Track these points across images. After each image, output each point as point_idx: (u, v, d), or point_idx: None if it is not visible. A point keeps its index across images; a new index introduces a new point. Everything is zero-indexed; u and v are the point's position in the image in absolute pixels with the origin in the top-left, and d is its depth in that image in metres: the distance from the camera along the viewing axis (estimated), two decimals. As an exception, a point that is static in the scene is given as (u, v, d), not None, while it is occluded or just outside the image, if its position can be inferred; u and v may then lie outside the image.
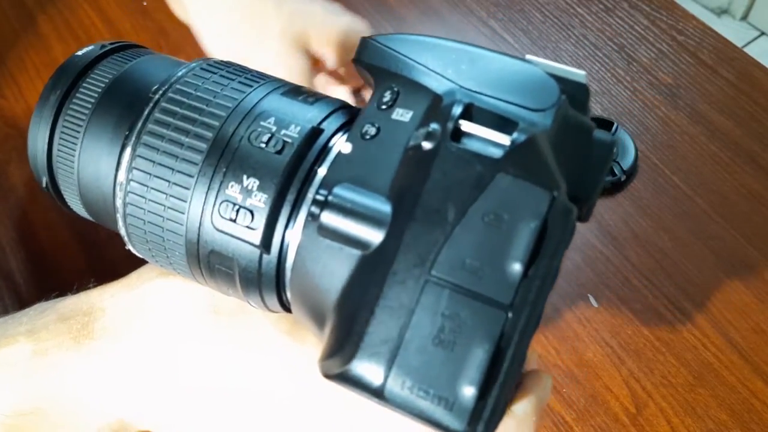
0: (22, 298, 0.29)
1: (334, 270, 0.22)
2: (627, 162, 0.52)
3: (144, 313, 0.28)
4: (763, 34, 1.68)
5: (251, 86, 0.25)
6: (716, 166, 0.53)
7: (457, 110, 0.21)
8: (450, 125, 0.21)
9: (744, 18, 1.70)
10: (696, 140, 0.54)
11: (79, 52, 0.27)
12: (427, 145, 0.21)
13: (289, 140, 0.23)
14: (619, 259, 0.48)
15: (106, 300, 0.28)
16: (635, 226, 0.50)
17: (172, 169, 0.24)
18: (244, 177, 0.23)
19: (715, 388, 0.43)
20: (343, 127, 0.25)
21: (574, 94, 0.22)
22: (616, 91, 0.57)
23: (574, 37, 0.61)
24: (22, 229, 0.49)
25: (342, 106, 0.26)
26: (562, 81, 0.22)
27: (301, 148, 0.23)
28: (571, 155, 0.22)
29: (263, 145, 0.23)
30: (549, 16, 0.62)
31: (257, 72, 0.26)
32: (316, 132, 0.24)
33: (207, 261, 0.24)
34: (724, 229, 0.50)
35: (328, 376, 0.21)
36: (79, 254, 0.48)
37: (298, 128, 0.23)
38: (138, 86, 0.26)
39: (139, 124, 0.25)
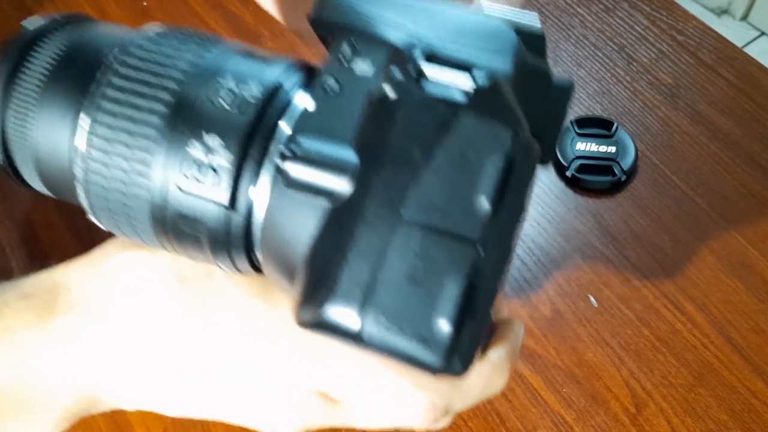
0: (23, 298, 0.30)
1: (305, 222, 0.21)
2: (627, 162, 0.52)
3: (110, 289, 0.27)
4: (763, 34, 1.68)
5: (207, 48, 0.25)
6: (716, 166, 0.53)
7: (420, 58, 0.21)
8: (413, 72, 0.21)
9: (744, 18, 1.70)
10: (696, 140, 0.54)
11: (27, 25, 0.27)
12: (391, 94, 0.21)
13: (250, 99, 0.23)
14: (619, 259, 0.48)
15: (70, 277, 0.28)
16: (635, 226, 0.50)
17: (132, 133, 0.23)
18: (206, 136, 0.23)
19: (715, 388, 0.43)
20: (303, 83, 0.25)
21: (530, 39, 0.23)
22: (616, 91, 0.57)
23: (574, 37, 0.61)
24: (22, 229, 0.49)
25: (299, 63, 0.26)
26: (518, 27, 0.23)
27: (263, 106, 0.23)
28: (531, 98, 0.22)
29: (224, 104, 0.23)
30: (549, 16, 0.62)
31: (210, 34, 0.26)
32: (276, 89, 0.24)
33: (173, 225, 0.24)
34: (724, 229, 0.50)
35: (303, 324, 0.21)
36: (79, 254, 0.48)
37: (260, 87, 0.23)
38: (90, 53, 0.25)
39: (94, 91, 0.24)
